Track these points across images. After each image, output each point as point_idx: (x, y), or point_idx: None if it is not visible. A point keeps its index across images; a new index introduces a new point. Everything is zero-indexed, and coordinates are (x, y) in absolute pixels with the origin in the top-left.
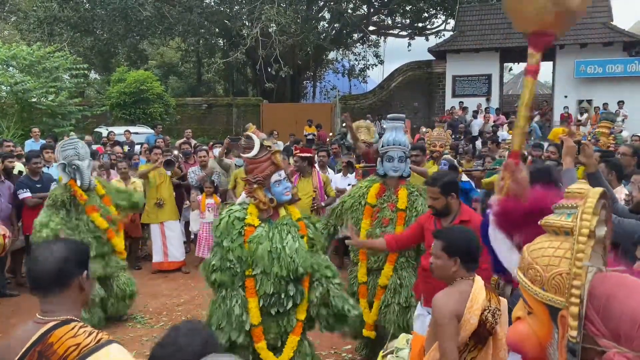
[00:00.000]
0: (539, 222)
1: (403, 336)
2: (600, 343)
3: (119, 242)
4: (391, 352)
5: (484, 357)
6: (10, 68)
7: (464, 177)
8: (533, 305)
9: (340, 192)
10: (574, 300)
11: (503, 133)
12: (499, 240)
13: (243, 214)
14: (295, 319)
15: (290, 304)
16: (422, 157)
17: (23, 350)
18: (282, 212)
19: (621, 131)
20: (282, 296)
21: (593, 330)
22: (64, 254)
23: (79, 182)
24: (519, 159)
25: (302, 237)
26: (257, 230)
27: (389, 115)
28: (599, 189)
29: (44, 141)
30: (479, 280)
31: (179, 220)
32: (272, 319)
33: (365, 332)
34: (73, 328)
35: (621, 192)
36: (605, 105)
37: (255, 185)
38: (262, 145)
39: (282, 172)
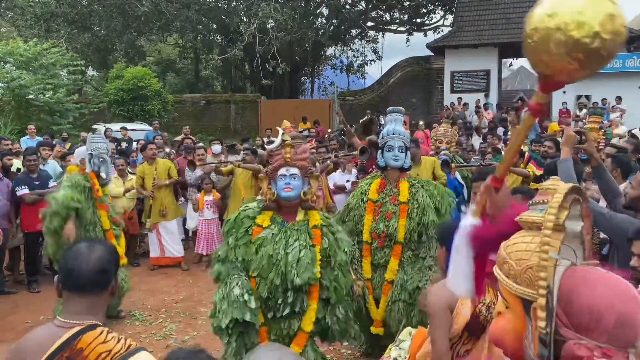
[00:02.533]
0: (515, 219)
1: (407, 329)
2: (562, 332)
3: (120, 246)
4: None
5: (479, 350)
6: (7, 65)
7: (459, 177)
8: (509, 300)
9: (339, 188)
10: (541, 292)
11: (501, 129)
12: (460, 255)
13: (255, 212)
14: (300, 329)
15: (287, 311)
16: (415, 150)
17: (47, 354)
18: (300, 215)
19: (610, 125)
20: (279, 302)
21: (559, 323)
22: (107, 255)
23: (103, 176)
24: (500, 184)
25: (313, 246)
26: (264, 231)
27: (388, 108)
28: (569, 185)
29: (40, 138)
30: None
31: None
32: (273, 321)
33: (373, 330)
34: (101, 333)
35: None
36: (604, 100)
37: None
38: (283, 140)
39: (292, 169)
